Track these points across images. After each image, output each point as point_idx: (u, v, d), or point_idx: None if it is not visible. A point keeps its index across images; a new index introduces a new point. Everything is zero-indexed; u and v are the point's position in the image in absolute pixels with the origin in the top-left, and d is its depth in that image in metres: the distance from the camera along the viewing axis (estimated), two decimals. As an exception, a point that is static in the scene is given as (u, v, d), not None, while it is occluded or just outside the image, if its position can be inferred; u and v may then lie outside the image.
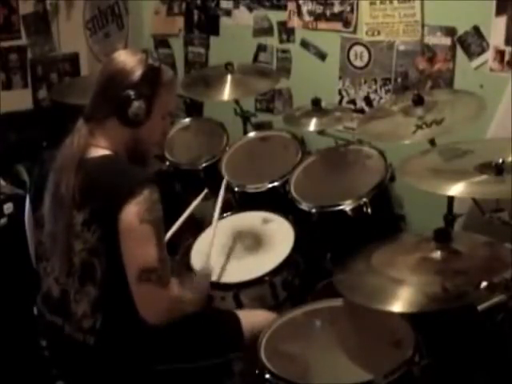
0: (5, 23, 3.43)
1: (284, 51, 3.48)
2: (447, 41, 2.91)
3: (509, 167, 1.91)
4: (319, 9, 3.28)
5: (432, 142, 2.37)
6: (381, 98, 3.17)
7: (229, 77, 3.19)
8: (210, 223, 2.65)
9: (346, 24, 3.20)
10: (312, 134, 3.02)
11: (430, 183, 1.98)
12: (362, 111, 3.22)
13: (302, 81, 3.43)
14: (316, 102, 2.92)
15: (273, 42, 3.51)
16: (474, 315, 1.88)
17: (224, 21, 3.69)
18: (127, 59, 1.95)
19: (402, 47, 3.06)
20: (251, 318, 2.15)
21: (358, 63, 3.22)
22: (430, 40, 2.95)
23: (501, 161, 1.91)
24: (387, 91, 3.14)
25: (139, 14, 4.03)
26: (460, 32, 2.86)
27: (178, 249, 2.64)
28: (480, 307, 1.81)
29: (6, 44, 3.46)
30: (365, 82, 3.22)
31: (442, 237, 1.96)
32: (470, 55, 2.86)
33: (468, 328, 2.09)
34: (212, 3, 3.71)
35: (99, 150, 1.93)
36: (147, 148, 2.03)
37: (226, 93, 3.17)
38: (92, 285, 1.89)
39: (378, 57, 3.14)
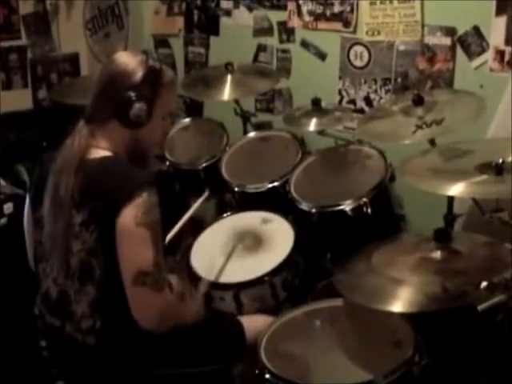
0: (5, 23, 3.43)
1: (284, 51, 3.48)
2: (447, 41, 2.91)
3: (509, 167, 1.91)
4: (319, 9, 3.28)
5: (432, 142, 2.37)
6: (381, 98, 3.17)
7: (229, 77, 3.19)
8: (210, 223, 2.66)
9: (346, 24, 3.20)
10: (312, 134, 3.02)
11: (429, 183, 1.98)
12: (361, 111, 3.22)
13: (301, 81, 3.43)
14: (316, 102, 2.92)
15: (273, 42, 3.51)
16: (474, 315, 1.88)
17: (224, 21, 3.69)
18: (128, 60, 1.95)
19: (401, 47, 3.06)
20: (254, 323, 2.14)
21: (358, 63, 3.22)
22: (430, 40, 2.95)
23: (501, 161, 1.91)
24: (387, 91, 3.14)
25: (139, 14, 4.03)
26: (460, 32, 2.86)
27: (178, 249, 2.64)
28: (480, 307, 1.81)
29: (5, 44, 3.46)
30: (365, 82, 3.22)
31: (442, 237, 1.96)
32: (470, 55, 2.86)
33: (468, 328, 2.09)
34: (212, 3, 3.71)
35: (99, 151, 1.93)
36: (147, 149, 2.03)
37: (226, 93, 3.17)
38: (91, 285, 1.89)
39: (378, 57, 3.14)
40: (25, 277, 2.32)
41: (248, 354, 2.06)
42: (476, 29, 2.81)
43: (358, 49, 3.20)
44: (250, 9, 3.55)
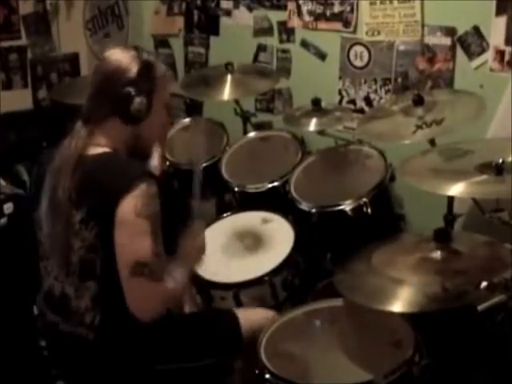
0: (5, 23, 3.44)
1: (284, 51, 3.48)
2: (447, 41, 2.91)
3: (509, 167, 1.91)
4: (319, 9, 3.28)
5: (432, 142, 2.37)
6: (381, 98, 3.17)
7: (229, 77, 3.19)
8: (210, 223, 2.66)
9: (346, 24, 3.20)
10: (312, 134, 3.02)
11: (429, 183, 1.98)
12: (361, 111, 3.22)
13: (301, 81, 3.43)
14: (316, 102, 2.92)
15: (273, 42, 3.51)
16: (474, 315, 1.88)
17: (224, 21, 3.68)
18: (121, 57, 1.95)
19: (401, 47, 3.06)
20: (250, 316, 2.15)
21: (358, 63, 3.22)
22: (430, 40, 2.95)
23: (501, 161, 1.91)
24: (387, 91, 3.14)
25: (139, 14, 4.03)
26: (460, 32, 2.86)
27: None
28: (480, 307, 1.81)
29: (5, 44, 3.47)
30: (365, 82, 3.22)
31: (442, 237, 1.96)
32: (470, 55, 2.86)
33: (468, 328, 2.09)
34: (212, 3, 3.71)
35: (98, 148, 1.93)
36: (148, 144, 2.04)
37: (226, 93, 3.17)
38: (92, 281, 1.89)
39: (378, 57, 3.14)
40: (25, 277, 2.33)
41: (246, 349, 2.06)
42: (476, 29, 2.81)
43: (358, 49, 3.20)
44: (250, 9, 3.55)
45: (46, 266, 2.00)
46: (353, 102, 3.27)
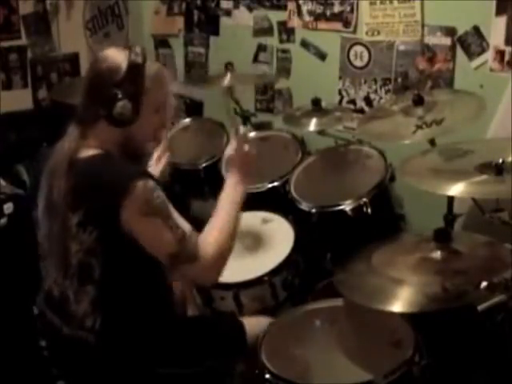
0: (5, 23, 3.44)
1: (284, 51, 3.48)
2: (447, 41, 2.91)
3: (509, 167, 1.91)
4: (319, 9, 3.28)
5: (432, 142, 2.37)
6: (381, 98, 3.16)
7: (229, 77, 3.19)
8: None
9: (346, 24, 3.20)
10: (312, 134, 3.02)
11: (429, 183, 1.98)
12: (361, 111, 3.22)
13: (302, 81, 3.43)
14: (316, 102, 2.91)
15: (273, 42, 3.51)
16: (474, 315, 1.88)
17: (224, 21, 3.68)
18: (112, 58, 1.91)
19: (402, 47, 3.06)
20: (255, 326, 2.13)
21: (358, 63, 3.21)
22: (430, 40, 2.95)
23: (501, 161, 1.91)
24: (387, 91, 3.14)
25: (139, 13, 4.03)
26: (460, 32, 2.86)
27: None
28: (480, 307, 1.81)
29: (6, 44, 3.47)
30: (365, 82, 3.22)
31: (442, 237, 1.96)
32: (470, 55, 2.85)
33: (468, 328, 2.09)
34: (212, 3, 3.71)
35: (89, 150, 1.91)
36: (141, 146, 1.99)
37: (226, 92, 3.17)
38: (91, 285, 1.89)
39: (378, 57, 3.14)
40: (25, 277, 2.33)
41: (248, 354, 2.06)
42: (476, 29, 2.81)
43: (358, 49, 3.20)
44: (250, 9, 3.55)
45: (46, 268, 2.00)
46: (353, 101, 3.27)
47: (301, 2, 3.33)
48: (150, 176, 1.89)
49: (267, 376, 1.90)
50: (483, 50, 2.80)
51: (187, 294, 2.41)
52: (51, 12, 3.62)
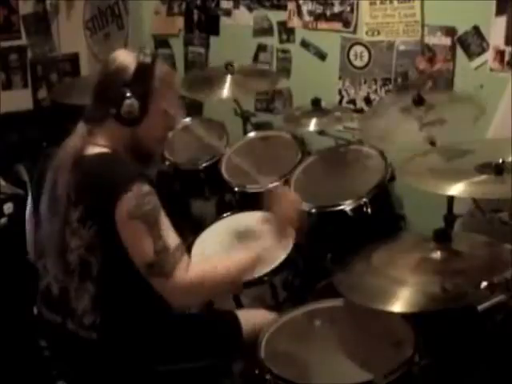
0: (5, 23, 3.43)
1: (284, 51, 3.48)
2: (447, 41, 2.91)
3: (509, 167, 1.91)
4: (319, 9, 3.28)
5: (432, 141, 2.37)
6: (381, 98, 3.17)
7: (229, 77, 3.18)
8: (210, 223, 2.65)
9: (346, 24, 3.20)
10: (312, 134, 3.02)
11: (429, 183, 1.98)
12: (361, 111, 3.22)
13: (301, 81, 3.43)
14: (316, 102, 2.92)
15: (273, 41, 3.51)
16: (474, 315, 1.88)
17: (224, 21, 3.69)
18: (122, 58, 1.95)
19: (402, 47, 3.06)
20: (251, 317, 2.15)
21: (358, 63, 3.22)
22: (430, 40, 2.95)
23: (501, 161, 1.91)
24: (387, 91, 3.14)
25: (139, 13, 4.03)
26: (460, 32, 2.86)
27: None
28: (480, 307, 1.81)
29: (6, 44, 3.46)
30: (365, 82, 3.22)
31: (442, 237, 1.96)
32: (470, 55, 2.86)
33: (468, 328, 2.09)
34: (212, 3, 3.71)
35: (96, 148, 1.94)
36: (149, 146, 2.01)
37: (226, 92, 3.16)
38: (90, 281, 1.89)
39: (378, 57, 3.14)
40: (25, 276, 2.33)
41: (246, 350, 2.06)
42: (476, 29, 2.81)
43: (358, 49, 3.20)
44: (250, 9, 3.55)
45: (44, 265, 2.00)
46: (353, 102, 3.27)
47: (301, 1, 3.33)
48: (149, 180, 1.89)
49: (267, 376, 1.90)
50: (483, 50, 2.80)
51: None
52: (51, 12, 3.62)
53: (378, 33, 3.10)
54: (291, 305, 2.32)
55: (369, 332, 2.01)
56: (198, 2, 3.77)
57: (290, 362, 1.95)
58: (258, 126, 3.35)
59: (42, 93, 3.66)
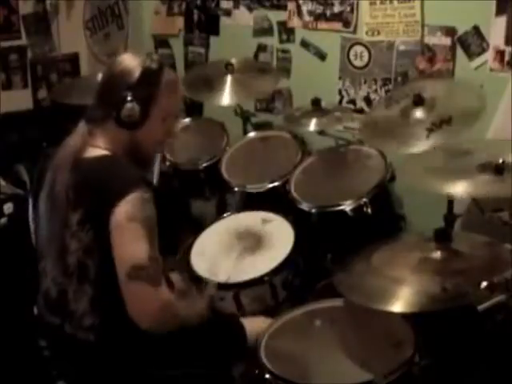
0: (5, 23, 3.43)
1: (284, 51, 3.48)
2: (447, 41, 2.91)
3: (509, 167, 1.91)
4: (319, 9, 3.28)
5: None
6: (381, 98, 3.16)
7: (229, 77, 3.18)
8: (210, 223, 2.66)
9: (346, 24, 3.20)
10: (312, 134, 3.02)
11: (429, 183, 1.98)
12: (361, 111, 3.22)
13: (302, 81, 3.43)
14: (316, 102, 2.92)
15: (273, 41, 3.51)
16: (474, 315, 1.88)
17: (224, 21, 3.68)
18: (128, 61, 1.96)
19: (402, 47, 3.06)
20: (256, 328, 2.11)
21: (358, 63, 3.22)
22: (430, 40, 2.95)
23: (501, 161, 1.91)
24: (387, 91, 3.14)
25: (139, 13, 4.03)
26: (460, 32, 2.86)
27: (178, 249, 2.64)
28: (480, 307, 1.81)
29: (6, 44, 3.46)
30: (365, 82, 3.22)
31: (442, 237, 1.96)
32: (470, 55, 2.86)
33: (468, 328, 2.09)
34: (212, 3, 3.71)
35: (96, 150, 1.94)
36: (147, 151, 2.01)
37: (227, 97, 3.16)
38: (88, 284, 1.89)
39: (378, 57, 3.14)
40: (25, 277, 2.33)
41: (248, 354, 2.06)
42: (476, 29, 2.81)
43: (358, 49, 3.20)
44: (250, 9, 3.55)
45: (44, 267, 2.00)
46: (353, 102, 3.27)
47: (301, 1, 3.33)
48: (150, 188, 1.88)
49: (267, 376, 1.90)
50: (483, 50, 2.80)
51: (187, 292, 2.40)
52: (51, 12, 3.62)
53: (378, 33, 3.10)
54: (291, 305, 2.32)
55: (369, 332, 2.01)
56: (198, 2, 3.77)
57: (290, 362, 1.95)
58: (257, 126, 3.35)
59: (42, 93, 3.66)
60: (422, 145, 2.30)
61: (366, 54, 3.18)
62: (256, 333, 2.08)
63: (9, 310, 2.74)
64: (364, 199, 2.52)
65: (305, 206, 2.61)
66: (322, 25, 3.29)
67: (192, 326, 1.93)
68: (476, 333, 2.09)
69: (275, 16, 3.47)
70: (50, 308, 2.00)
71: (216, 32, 3.74)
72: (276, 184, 2.79)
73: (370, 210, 2.51)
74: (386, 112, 2.59)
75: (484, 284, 1.75)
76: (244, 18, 3.58)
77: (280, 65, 3.50)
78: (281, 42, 3.48)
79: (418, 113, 2.44)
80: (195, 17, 3.82)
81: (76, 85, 3.50)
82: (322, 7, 3.27)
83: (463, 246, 1.98)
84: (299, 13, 3.35)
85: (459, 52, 2.89)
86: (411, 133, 2.39)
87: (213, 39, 3.77)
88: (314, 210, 2.59)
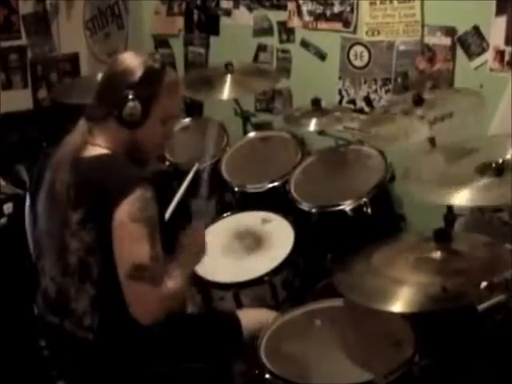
0: (5, 23, 3.43)
1: (284, 51, 3.48)
2: (447, 41, 2.91)
3: (509, 167, 1.91)
4: (319, 9, 3.28)
5: (432, 141, 2.37)
6: (381, 97, 3.17)
7: (229, 77, 3.18)
8: (210, 223, 2.66)
9: (346, 24, 3.20)
10: (312, 134, 3.02)
11: (430, 195, 1.98)
12: (362, 111, 3.22)
13: (301, 81, 3.43)
14: (316, 102, 2.92)
15: (273, 41, 3.51)
16: (474, 315, 1.88)
17: (224, 21, 3.68)
18: (130, 60, 1.95)
19: (402, 47, 3.06)
20: (252, 317, 2.14)
21: (358, 63, 3.22)
22: (430, 40, 2.95)
23: (501, 161, 1.91)
24: (387, 91, 3.14)
25: (139, 13, 4.03)
26: (460, 32, 2.87)
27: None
28: (480, 307, 1.81)
29: (6, 44, 3.46)
30: (365, 82, 3.22)
31: (442, 237, 1.96)
32: (470, 55, 2.86)
33: (468, 328, 2.09)
34: (212, 3, 3.71)
35: (96, 149, 1.93)
36: (147, 150, 2.00)
37: (226, 93, 3.16)
38: (89, 283, 1.89)
39: (378, 57, 3.15)
40: (25, 276, 2.33)
41: (247, 351, 2.06)
42: (476, 29, 2.81)
43: (358, 49, 3.20)
44: (250, 9, 3.55)
45: (43, 266, 2.00)
46: (353, 102, 3.27)
47: (301, 1, 3.33)
48: (153, 185, 1.87)
49: (267, 376, 1.90)
50: (483, 50, 2.80)
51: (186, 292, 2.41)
52: (51, 12, 3.62)
53: (378, 33, 3.10)
54: (291, 305, 2.32)
55: (369, 332, 2.01)
56: (198, 2, 3.77)
57: (290, 362, 1.95)
58: (257, 126, 3.35)
59: (42, 93, 3.66)
60: (423, 134, 2.32)
61: (365, 54, 3.18)
62: (253, 325, 2.09)
63: (9, 310, 2.74)
64: (364, 199, 2.53)
65: (305, 206, 2.61)
66: (322, 25, 3.29)
67: (186, 320, 1.96)
68: (476, 333, 2.09)
69: (275, 16, 3.47)
70: (50, 307, 2.00)
71: (216, 32, 3.74)
72: (276, 184, 2.79)
73: (369, 210, 2.52)
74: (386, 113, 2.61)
75: (484, 284, 1.75)
76: (244, 18, 3.58)
77: (280, 65, 3.50)
78: (281, 42, 3.48)
79: (419, 111, 2.44)
80: (195, 17, 3.82)
81: (76, 85, 3.50)
82: (321, 7, 3.27)
83: (463, 246, 1.98)
84: (299, 13, 3.35)
85: (459, 52, 2.89)
86: (413, 126, 2.41)
87: (213, 39, 3.77)
88: (313, 210, 2.59)
